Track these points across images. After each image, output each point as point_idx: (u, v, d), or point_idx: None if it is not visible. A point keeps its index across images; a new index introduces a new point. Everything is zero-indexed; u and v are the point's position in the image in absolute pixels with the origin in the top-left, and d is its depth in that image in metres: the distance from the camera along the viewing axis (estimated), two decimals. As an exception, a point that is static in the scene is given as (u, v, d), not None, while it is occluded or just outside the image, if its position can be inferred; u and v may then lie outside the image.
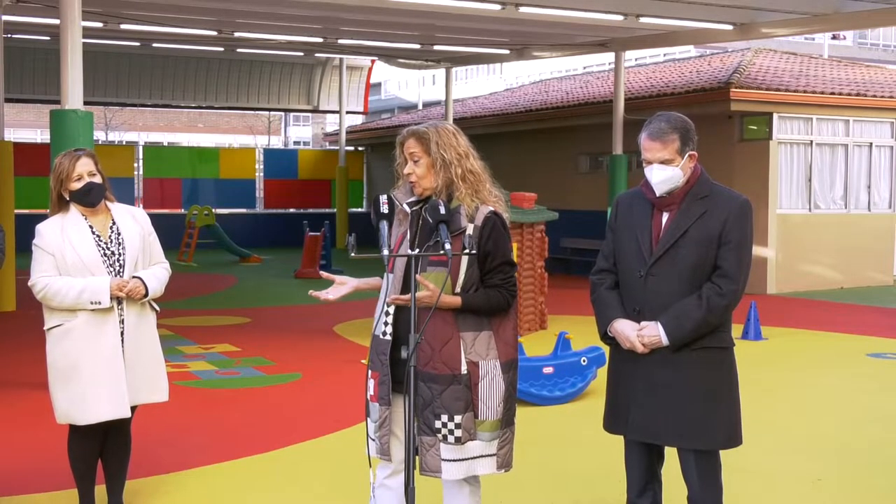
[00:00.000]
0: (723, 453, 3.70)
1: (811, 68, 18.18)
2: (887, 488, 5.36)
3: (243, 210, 26.20)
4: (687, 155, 3.64)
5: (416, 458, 3.39)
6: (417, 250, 3.49)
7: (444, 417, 3.43)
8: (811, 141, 16.18)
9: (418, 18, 14.72)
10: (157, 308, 4.63)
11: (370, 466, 3.61)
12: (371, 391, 3.58)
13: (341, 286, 3.70)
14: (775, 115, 15.61)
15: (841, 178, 16.64)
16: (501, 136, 20.95)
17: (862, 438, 6.43)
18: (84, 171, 4.39)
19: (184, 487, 5.26)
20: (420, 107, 45.68)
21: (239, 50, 22.26)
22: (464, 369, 3.44)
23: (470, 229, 3.48)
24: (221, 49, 22.06)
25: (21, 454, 5.91)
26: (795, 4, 13.06)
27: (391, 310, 3.52)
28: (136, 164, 24.53)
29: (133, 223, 4.55)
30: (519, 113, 20.69)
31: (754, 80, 15.75)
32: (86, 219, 4.45)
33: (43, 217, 4.58)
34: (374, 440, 3.58)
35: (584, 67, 40.76)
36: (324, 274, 3.80)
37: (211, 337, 10.53)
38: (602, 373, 6.47)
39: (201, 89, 25.34)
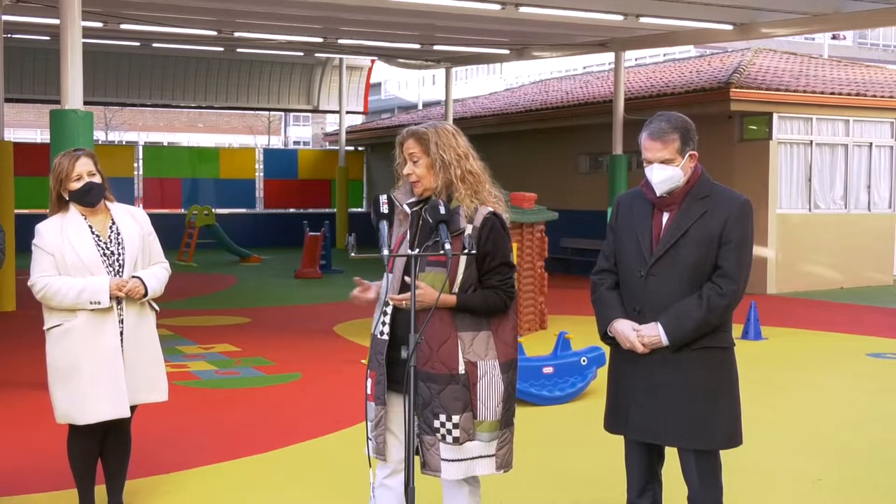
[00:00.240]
0: (723, 453, 3.70)
1: (811, 68, 18.18)
2: (887, 488, 5.36)
3: (243, 210, 26.21)
4: (687, 155, 3.63)
5: (417, 457, 3.40)
6: (417, 250, 3.49)
7: (443, 417, 3.43)
8: (811, 141, 16.18)
9: (418, 18, 14.72)
10: (157, 308, 4.63)
11: (370, 466, 3.61)
12: (368, 391, 3.58)
13: (367, 290, 3.66)
14: (775, 115, 15.61)
15: (841, 178, 16.64)
16: (501, 136, 20.95)
17: (862, 438, 6.43)
18: (83, 170, 4.39)
19: (184, 487, 5.26)
20: (420, 107, 45.68)
21: (239, 50, 22.26)
22: (462, 369, 3.44)
23: (469, 230, 3.48)
24: (221, 49, 22.07)
25: (21, 454, 5.91)
26: (795, 4, 13.06)
27: (389, 310, 3.52)
28: (135, 164, 24.53)
29: (133, 223, 4.55)
30: (519, 113, 20.69)
31: (754, 80, 15.75)
32: (85, 219, 4.45)
33: (43, 217, 4.57)
34: (371, 439, 3.58)
35: (584, 67, 40.77)
36: (357, 279, 3.74)
37: (211, 337, 10.53)
38: (602, 373, 6.48)
39: (201, 89, 25.35)
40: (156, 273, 4.54)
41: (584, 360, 7.51)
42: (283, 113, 47.68)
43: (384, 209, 3.50)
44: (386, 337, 3.52)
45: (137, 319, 4.47)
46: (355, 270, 18.03)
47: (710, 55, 22.32)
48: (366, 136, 27.97)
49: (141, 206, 22.65)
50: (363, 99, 27.41)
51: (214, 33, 17.61)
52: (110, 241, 4.45)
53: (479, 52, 19.50)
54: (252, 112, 45.85)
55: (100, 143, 32.59)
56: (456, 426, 3.42)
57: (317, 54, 23.76)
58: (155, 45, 21.53)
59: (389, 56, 21.70)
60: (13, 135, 36.33)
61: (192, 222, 20.78)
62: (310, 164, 26.78)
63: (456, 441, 3.43)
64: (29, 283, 4.40)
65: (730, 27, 14.42)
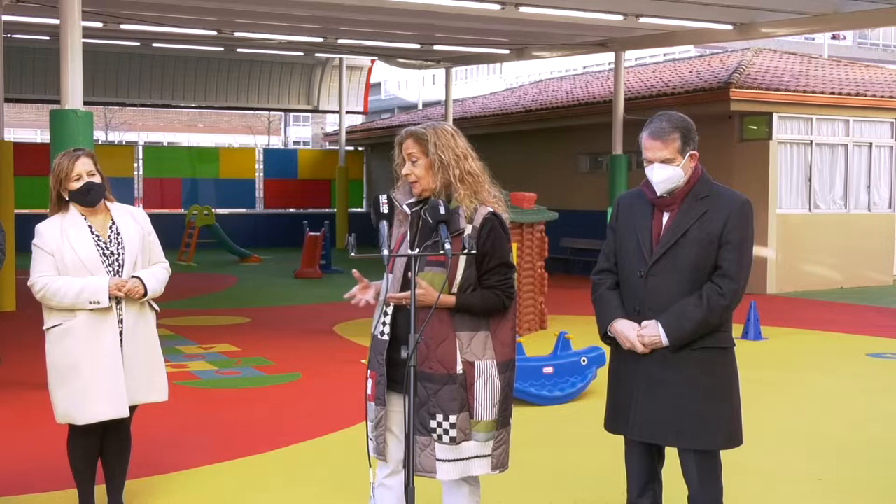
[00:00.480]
0: (723, 453, 3.70)
1: (811, 68, 18.18)
2: (887, 488, 5.36)
3: (243, 210, 26.21)
4: (688, 154, 3.63)
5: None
6: (417, 250, 3.49)
7: (440, 417, 3.43)
8: (811, 141, 16.18)
9: (418, 18, 14.72)
10: (157, 308, 4.63)
11: (370, 466, 3.61)
12: (368, 391, 3.58)
13: (367, 290, 3.65)
14: (775, 115, 15.61)
15: (841, 178, 16.64)
16: (501, 136, 20.94)
17: (862, 438, 6.43)
18: (83, 170, 4.39)
19: (184, 487, 5.26)
20: (420, 107, 45.67)
21: (239, 50, 22.26)
22: (459, 369, 3.44)
23: (469, 230, 3.48)
24: (221, 49, 22.06)
25: (21, 454, 5.91)
26: (795, 4, 13.06)
27: (389, 310, 3.52)
28: (135, 164, 24.54)
29: (132, 223, 4.55)
30: (519, 113, 20.69)
31: (754, 80, 15.75)
32: (85, 219, 4.45)
33: (43, 217, 4.57)
34: (371, 439, 3.58)
35: (584, 67, 40.78)
36: (356, 273, 3.72)
37: (211, 337, 10.53)
38: (602, 373, 6.48)
39: (201, 89, 25.35)
40: (155, 273, 4.54)
41: (584, 360, 7.51)
42: (283, 113, 47.69)
43: (384, 209, 3.49)
44: (386, 337, 3.52)
45: (137, 319, 4.47)
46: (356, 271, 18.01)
47: (710, 55, 22.32)
48: (366, 136, 27.97)
49: (141, 206, 22.66)
50: (363, 99, 27.42)
51: (214, 33, 17.61)
52: (110, 241, 4.45)
53: (479, 52, 19.51)
54: (252, 112, 45.89)
55: (100, 143, 32.60)
56: (453, 426, 3.42)
57: (317, 54, 23.77)
58: (155, 45, 21.53)
59: (389, 56, 21.70)
60: (13, 135, 36.31)
61: (192, 222, 20.78)
62: (310, 164, 26.78)
63: (453, 441, 3.43)
64: (29, 283, 4.40)
65: (730, 27, 14.42)
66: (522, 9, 12.99)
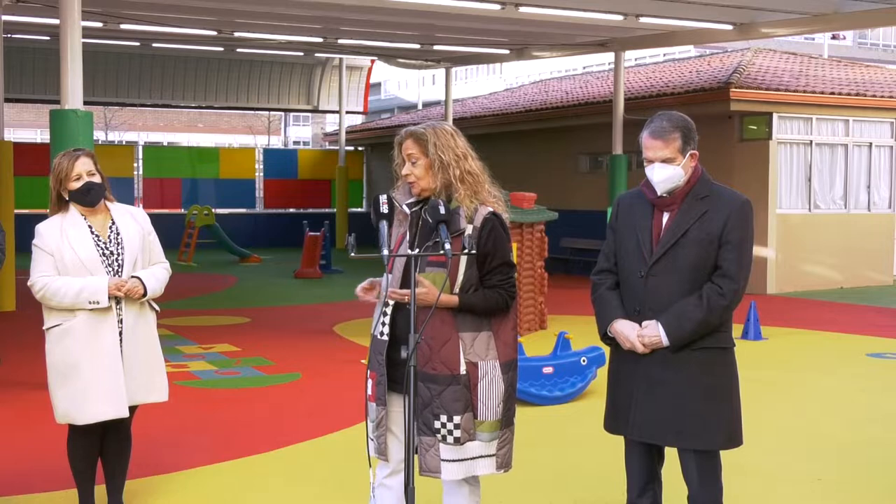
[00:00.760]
0: (723, 453, 3.70)
1: (811, 68, 18.18)
2: (887, 488, 5.36)
3: (243, 210, 26.22)
4: (688, 154, 3.63)
5: (416, 457, 3.39)
6: (417, 250, 3.49)
7: (444, 418, 3.43)
8: (811, 141, 16.18)
9: (418, 18, 14.72)
10: (158, 308, 4.63)
11: (370, 466, 3.61)
12: (369, 391, 3.58)
13: (370, 291, 3.64)
14: (775, 115, 15.61)
15: (841, 178, 16.64)
16: (501, 136, 20.94)
17: (862, 438, 6.43)
18: (83, 170, 4.39)
19: (184, 487, 5.26)
20: (420, 107, 45.68)
21: (239, 50, 22.26)
22: (463, 369, 3.44)
23: (469, 230, 3.48)
24: (221, 49, 22.07)
25: (21, 454, 5.91)
26: (795, 4, 13.06)
27: (388, 310, 3.52)
28: (135, 164, 24.54)
29: (132, 223, 4.55)
30: (519, 113, 20.69)
31: (754, 80, 15.75)
32: (85, 219, 4.44)
33: (43, 217, 4.57)
34: (372, 440, 3.58)
35: (584, 67, 40.78)
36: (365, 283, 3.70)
37: (211, 337, 10.53)
38: (602, 373, 6.48)
39: (201, 89, 25.35)
40: (155, 273, 4.53)
41: (584, 360, 7.51)
42: (283, 113, 47.69)
43: (384, 209, 3.49)
44: (386, 337, 3.52)
45: (137, 319, 4.47)
46: (355, 270, 18.04)
47: (709, 55, 22.32)
48: (366, 136, 27.97)
49: (141, 206, 22.66)
50: (363, 99, 27.42)
51: (214, 33, 17.61)
52: (110, 241, 4.45)
53: (479, 52, 19.51)
54: (252, 112, 45.89)
55: (100, 143, 32.60)
56: (457, 426, 3.42)
57: (317, 54, 23.76)
58: (155, 45, 21.53)
59: (389, 56, 21.70)
60: (13, 135, 36.30)
61: (192, 222, 20.79)
62: (310, 164, 26.78)
63: (457, 441, 3.43)
64: (29, 284, 4.40)
65: (730, 27, 14.42)
66: (522, 9, 12.99)
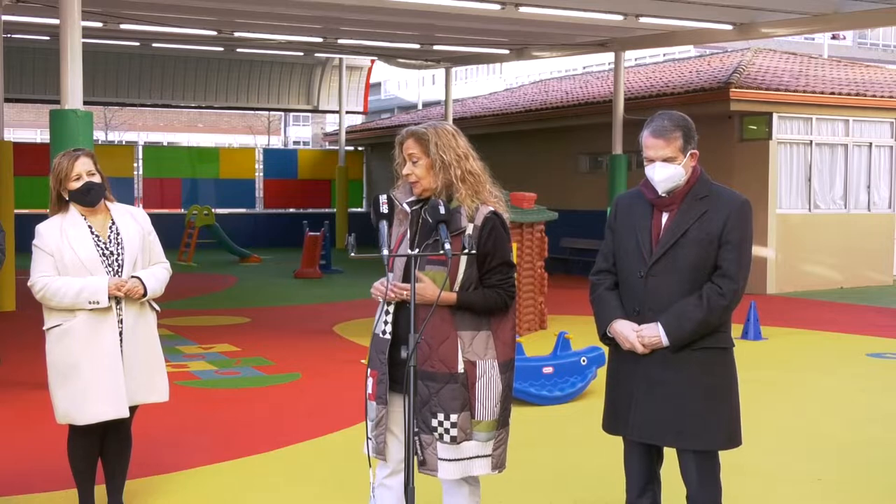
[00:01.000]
0: (722, 453, 3.70)
1: (811, 68, 18.18)
2: (887, 488, 5.36)
3: (243, 210, 26.22)
4: (689, 153, 3.63)
5: (416, 456, 3.39)
6: (417, 250, 3.50)
7: (441, 416, 3.43)
8: (811, 141, 16.18)
9: (418, 18, 14.72)
10: (158, 308, 4.62)
11: (370, 466, 3.61)
12: (369, 390, 3.58)
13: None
14: (775, 115, 15.61)
15: (841, 178, 16.64)
16: (501, 136, 20.94)
17: (862, 438, 6.43)
18: (83, 170, 4.39)
19: (184, 487, 5.26)
20: (420, 107, 45.68)
21: (239, 50, 22.27)
22: (461, 368, 3.44)
23: (470, 229, 3.49)
24: (221, 49, 22.07)
25: (21, 454, 5.91)
26: (795, 4, 13.06)
27: (391, 309, 3.52)
28: (135, 164, 24.54)
29: (133, 223, 4.55)
30: (519, 113, 20.69)
31: (754, 80, 15.75)
32: (85, 219, 4.44)
33: (43, 217, 4.57)
34: (371, 439, 3.58)
35: (584, 67, 40.77)
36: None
37: (211, 337, 10.53)
38: (602, 373, 6.48)
39: (201, 89, 25.35)
40: (155, 273, 4.53)
41: (584, 360, 7.51)
42: (282, 113, 47.69)
43: (384, 209, 3.49)
44: (388, 336, 3.52)
45: (137, 319, 4.47)
46: (355, 270, 18.04)
47: (709, 55, 22.32)
48: (365, 136, 27.97)
49: (141, 206, 22.66)
50: (363, 99, 27.42)
51: (214, 33, 17.61)
52: (110, 241, 4.45)
53: (479, 52, 19.51)
54: (252, 112, 45.88)
55: (100, 143, 32.61)
56: (454, 425, 3.42)
57: (317, 54, 23.76)
58: (155, 45, 21.54)
59: (389, 56, 21.70)
60: (13, 135, 36.31)
61: (192, 222, 20.79)
62: (310, 164, 26.78)
63: (453, 440, 3.43)
64: (29, 284, 4.40)
65: (730, 27, 14.42)
66: (522, 9, 12.99)
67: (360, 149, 28.32)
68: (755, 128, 15.81)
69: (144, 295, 4.43)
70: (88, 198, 4.41)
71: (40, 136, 47.52)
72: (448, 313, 3.45)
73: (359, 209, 27.14)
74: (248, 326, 11.54)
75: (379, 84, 59.41)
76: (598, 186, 18.22)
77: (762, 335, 10.62)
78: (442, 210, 3.41)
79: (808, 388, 8.20)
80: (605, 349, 3.90)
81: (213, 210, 21.65)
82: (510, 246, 3.60)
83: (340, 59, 25.27)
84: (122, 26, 16.05)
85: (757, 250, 14.97)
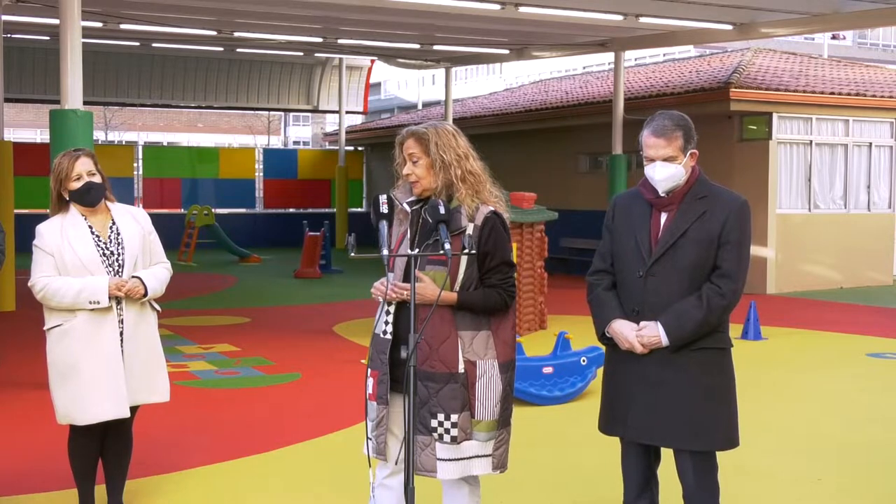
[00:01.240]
0: (722, 453, 3.70)
1: (811, 68, 18.18)
2: (887, 488, 5.36)
3: (243, 210, 26.21)
4: (689, 153, 3.63)
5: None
6: (417, 250, 3.50)
7: (441, 416, 3.43)
8: (811, 141, 16.18)
9: (418, 18, 14.72)
10: (159, 308, 4.62)
11: (370, 466, 3.61)
12: (370, 390, 3.57)
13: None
14: (775, 115, 15.60)
15: (841, 178, 16.64)
16: (501, 136, 20.94)
17: (862, 438, 6.43)
18: (83, 170, 4.39)
19: (184, 487, 5.26)
20: (420, 107, 45.68)
21: (239, 50, 22.26)
22: (461, 368, 3.44)
23: (470, 229, 3.49)
24: (221, 49, 22.06)
25: (21, 454, 5.91)
26: (795, 4, 13.06)
27: (392, 309, 3.52)
28: (135, 164, 24.54)
29: (133, 223, 4.55)
30: (519, 113, 20.69)
31: (754, 80, 15.75)
32: (85, 219, 4.44)
33: (43, 217, 4.57)
34: (371, 439, 3.58)
35: (584, 67, 40.76)
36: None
37: (211, 337, 10.53)
38: (601, 373, 6.48)
39: (201, 89, 25.35)
40: (156, 273, 4.53)
41: (583, 360, 7.51)
42: (282, 113, 47.68)
43: (384, 209, 3.49)
44: (389, 336, 3.52)
45: (137, 319, 4.47)
46: (355, 270, 18.04)
47: (709, 55, 22.32)
48: (365, 136, 27.97)
49: (141, 206, 22.66)
50: (363, 99, 27.41)
51: (214, 33, 17.60)
52: (110, 241, 4.45)
53: (479, 52, 19.50)
54: (252, 112, 45.87)
55: (100, 143, 32.59)
56: (454, 425, 3.42)
57: (317, 54, 23.76)
58: (155, 45, 21.52)
59: (389, 56, 21.70)
60: (13, 135, 36.30)
61: (192, 222, 20.79)
62: (309, 164, 26.78)
63: (454, 440, 3.43)
64: (29, 284, 4.40)
65: (730, 27, 14.42)
66: (522, 9, 12.99)
67: (359, 149, 28.32)
68: (755, 128, 15.81)
69: (145, 295, 4.43)
70: (89, 198, 4.41)
71: (40, 136, 47.51)
72: (448, 313, 3.45)
73: (359, 209, 27.14)
74: (248, 326, 11.54)
75: (379, 84, 59.41)
76: (597, 186, 18.22)
77: (762, 335, 10.62)
78: (442, 210, 3.41)
79: (808, 388, 8.20)
80: (605, 349, 3.89)
81: (212, 210, 21.65)
82: (510, 246, 3.60)
83: (340, 59, 25.27)
84: (122, 26, 16.04)
85: (757, 250, 14.98)
